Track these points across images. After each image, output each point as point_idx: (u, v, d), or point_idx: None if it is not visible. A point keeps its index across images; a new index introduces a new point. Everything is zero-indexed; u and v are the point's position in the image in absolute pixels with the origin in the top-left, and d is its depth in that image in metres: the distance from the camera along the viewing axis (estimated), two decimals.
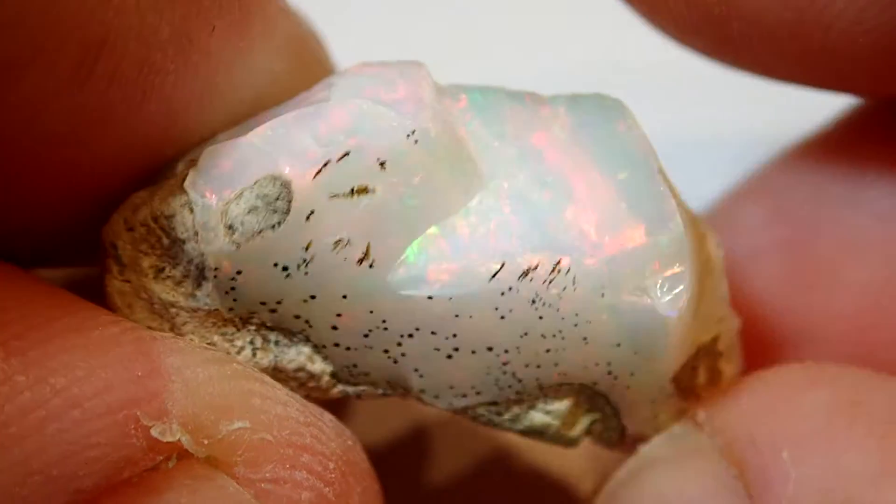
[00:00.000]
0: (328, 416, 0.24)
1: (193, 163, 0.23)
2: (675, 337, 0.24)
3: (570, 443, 0.26)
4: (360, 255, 0.23)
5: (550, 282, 0.23)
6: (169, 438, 0.21)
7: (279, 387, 0.23)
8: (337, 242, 0.22)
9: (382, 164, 0.22)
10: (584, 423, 0.25)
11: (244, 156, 0.22)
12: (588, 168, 0.24)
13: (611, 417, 0.26)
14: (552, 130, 0.24)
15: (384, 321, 0.23)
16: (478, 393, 0.25)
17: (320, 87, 0.24)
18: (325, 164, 0.22)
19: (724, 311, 0.26)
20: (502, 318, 0.23)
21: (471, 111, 0.24)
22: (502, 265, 0.23)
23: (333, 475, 0.23)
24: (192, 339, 0.23)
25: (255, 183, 0.22)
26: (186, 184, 0.23)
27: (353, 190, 0.22)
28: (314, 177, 0.22)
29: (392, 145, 0.22)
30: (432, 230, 0.23)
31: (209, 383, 0.22)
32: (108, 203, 0.24)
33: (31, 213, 0.23)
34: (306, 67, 0.26)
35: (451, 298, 0.23)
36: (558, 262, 0.23)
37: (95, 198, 0.24)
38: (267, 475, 0.22)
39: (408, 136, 0.22)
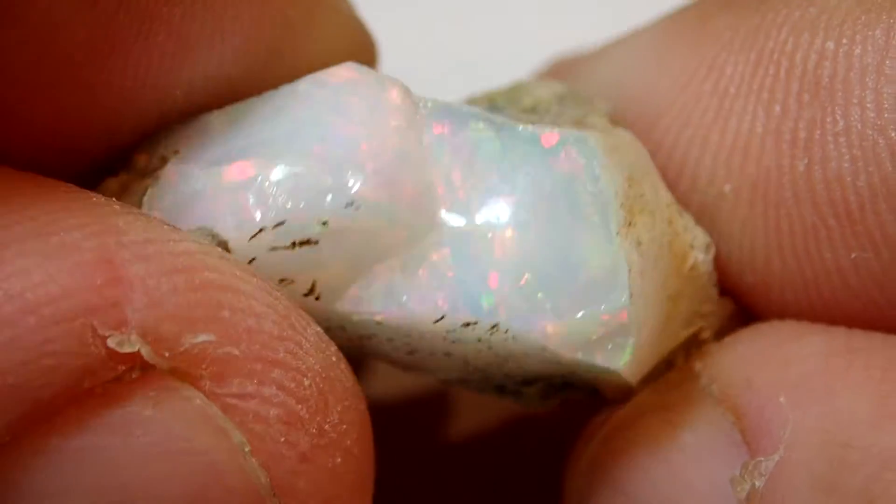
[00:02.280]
0: (312, 330, 0.23)
1: (163, 160, 0.24)
2: (629, 373, 0.24)
3: (547, 407, 0.26)
4: (305, 290, 0.23)
5: (492, 334, 0.23)
6: (127, 349, 0.20)
7: (257, 297, 0.22)
8: (282, 280, 0.23)
9: (325, 223, 0.22)
10: (559, 396, 0.26)
11: (185, 199, 0.23)
12: (542, 235, 0.23)
13: (587, 389, 0.26)
14: (517, 193, 0.23)
15: (342, 327, 0.24)
16: (449, 373, 0.25)
17: (286, 99, 0.24)
18: (260, 230, 0.22)
19: (709, 307, 0.26)
20: (452, 342, 0.23)
21: (450, 153, 0.23)
22: (443, 316, 0.23)
23: (308, 392, 0.22)
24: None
25: (196, 228, 0.23)
26: (144, 200, 0.23)
27: (293, 243, 0.23)
28: (249, 240, 0.23)
29: (332, 211, 0.22)
30: (380, 267, 0.23)
31: (174, 294, 0.21)
32: (116, 143, 0.24)
33: (38, 146, 0.23)
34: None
35: (399, 325, 0.23)
36: (496, 325, 0.23)
37: (104, 135, 0.23)
38: (233, 390, 0.21)
39: (346, 205, 0.22)
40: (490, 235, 0.23)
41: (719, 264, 0.26)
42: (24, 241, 0.20)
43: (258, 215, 0.22)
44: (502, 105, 0.25)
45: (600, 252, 0.22)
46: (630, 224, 0.23)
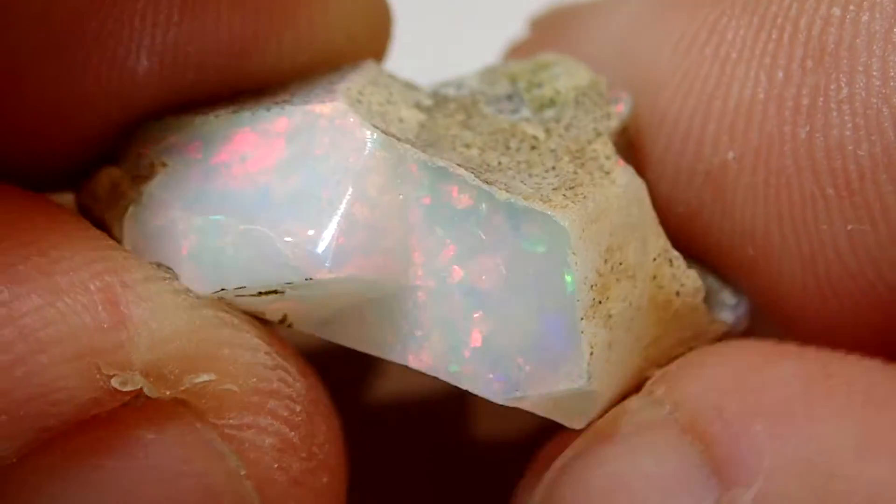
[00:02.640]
0: (295, 353, 0.24)
1: (151, 168, 0.24)
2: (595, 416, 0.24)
3: None
4: (278, 319, 0.24)
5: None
6: (129, 388, 0.22)
7: (248, 330, 0.24)
8: (253, 312, 0.24)
9: (289, 283, 0.23)
10: None
11: (157, 231, 0.24)
12: (509, 312, 0.23)
13: None
14: (491, 269, 0.24)
15: None
16: None
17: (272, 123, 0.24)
18: (221, 289, 0.24)
19: (700, 328, 0.26)
20: None
21: (428, 222, 0.24)
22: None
23: (300, 418, 0.24)
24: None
25: (158, 264, 0.24)
26: (125, 222, 0.25)
27: (259, 293, 0.24)
28: (210, 294, 0.24)
29: (295, 282, 0.23)
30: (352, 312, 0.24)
31: (175, 336, 0.23)
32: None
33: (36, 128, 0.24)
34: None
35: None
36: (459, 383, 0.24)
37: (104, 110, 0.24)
38: (231, 422, 0.23)
39: (306, 279, 0.23)
40: (461, 305, 0.23)
41: (724, 237, 0.26)
42: (36, 279, 0.22)
43: (220, 278, 0.23)
44: (522, 88, 0.25)
45: (563, 338, 0.23)
46: (600, 302, 0.23)
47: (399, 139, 0.23)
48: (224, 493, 0.23)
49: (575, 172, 0.24)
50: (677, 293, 0.25)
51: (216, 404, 0.23)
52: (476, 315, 0.23)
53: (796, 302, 0.26)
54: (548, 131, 0.24)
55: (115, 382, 0.22)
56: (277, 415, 0.23)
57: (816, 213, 0.24)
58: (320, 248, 0.23)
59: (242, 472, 0.23)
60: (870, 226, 0.24)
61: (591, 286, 0.23)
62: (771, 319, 0.27)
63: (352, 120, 0.23)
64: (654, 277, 0.25)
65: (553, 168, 0.24)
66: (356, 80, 0.24)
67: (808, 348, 0.24)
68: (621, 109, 0.26)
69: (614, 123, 0.26)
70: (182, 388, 0.22)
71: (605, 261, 0.23)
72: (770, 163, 0.25)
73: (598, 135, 0.25)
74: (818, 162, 0.24)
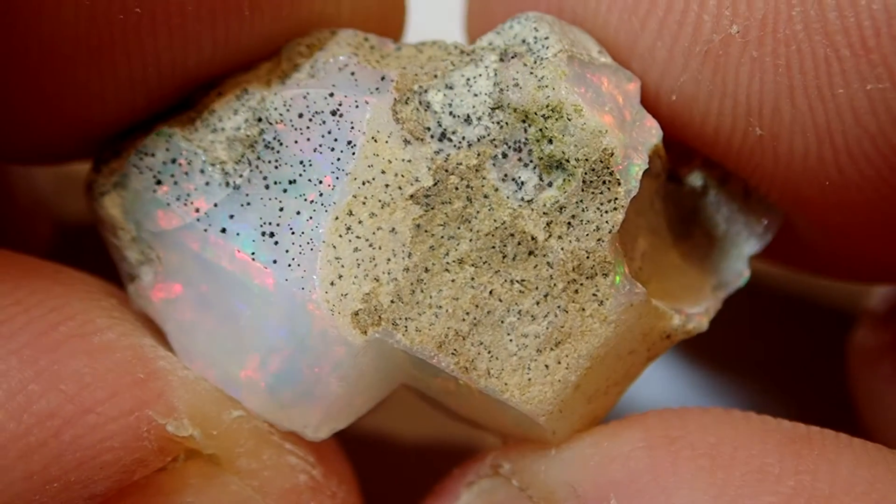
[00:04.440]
0: None
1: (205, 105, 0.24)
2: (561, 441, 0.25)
3: None
4: None
5: None
6: (183, 433, 0.21)
7: None
8: None
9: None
10: None
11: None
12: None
13: None
14: None
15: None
16: None
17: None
18: None
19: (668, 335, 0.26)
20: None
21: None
22: None
23: (314, 458, 0.24)
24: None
25: None
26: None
27: None
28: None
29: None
30: None
31: (200, 380, 0.23)
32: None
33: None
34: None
35: None
36: None
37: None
38: (265, 461, 0.23)
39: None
40: None
41: (725, 121, 0.24)
42: (70, 343, 0.21)
43: None
44: (532, 138, 0.24)
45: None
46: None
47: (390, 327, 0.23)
48: None
49: (566, 310, 0.23)
50: (668, 336, 0.25)
51: (252, 445, 0.23)
52: None
53: (811, 181, 0.24)
54: (549, 228, 0.23)
55: (169, 428, 0.21)
56: (298, 454, 0.23)
57: (831, 78, 0.23)
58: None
59: None
60: (890, 83, 0.22)
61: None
62: (782, 208, 0.26)
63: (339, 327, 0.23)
64: (632, 352, 0.25)
65: (545, 298, 0.23)
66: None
67: (649, 414, 0.24)
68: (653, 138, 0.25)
69: (619, 217, 0.24)
70: (224, 427, 0.22)
71: (588, 401, 0.24)
72: (778, 31, 0.23)
73: (599, 242, 0.24)
74: (830, 23, 0.22)
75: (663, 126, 0.24)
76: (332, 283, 0.23)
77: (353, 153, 0.23)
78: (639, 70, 0.25)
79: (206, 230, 0.23)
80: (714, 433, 0.22)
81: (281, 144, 0.23)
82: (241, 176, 0.23)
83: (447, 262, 0.23)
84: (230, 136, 0.23)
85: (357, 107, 0.23)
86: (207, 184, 0.23)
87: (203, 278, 0.23)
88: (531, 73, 0.23)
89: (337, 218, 0.23)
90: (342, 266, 0.23)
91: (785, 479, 0.21)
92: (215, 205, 0.23)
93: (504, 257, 0.23)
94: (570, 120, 0.23)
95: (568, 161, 0.23)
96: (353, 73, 0.23)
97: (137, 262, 0.24)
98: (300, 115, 0.23)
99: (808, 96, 0.23)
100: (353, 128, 0.23)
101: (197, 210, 0.23)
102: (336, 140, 0.23)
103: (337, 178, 0.23)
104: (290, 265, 0.23)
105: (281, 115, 0.23)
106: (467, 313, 0.23)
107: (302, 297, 0.23)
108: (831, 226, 0.25)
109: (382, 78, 0.23)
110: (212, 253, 0.23)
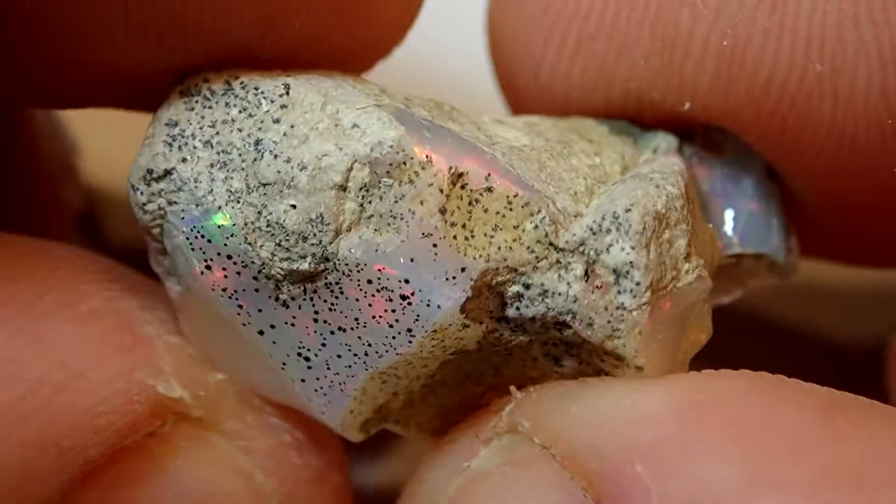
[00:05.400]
0: None
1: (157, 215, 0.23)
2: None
3: None
4: None
5: None
6: (172, 394, 0.22)
7: None
8: None
9: None
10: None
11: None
12: None
13: None
14: None
15: None
16: None
17: None
18: None
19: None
20: None
21: None
22: None
23: (294, 422, 0.24)
24: None
25: None
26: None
27: None
28: None
29: None
30: None
31: (183, 346, 0.23)
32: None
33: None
34: None
35: None
36: None
37: None
38: (249, 421, 0.23)
39: None
40: None
41: (781, 58, 0.23)
42: (57, 311, 0.22)
43: None
44: (585, 354, 0.23)
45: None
46: None
47: None
48: None
49: None
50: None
51: (235, 405, 0.23)
52: None
53: (870, 123, 0.23)
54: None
55: (161, 389, 0.22)
56: (278, 415, 0.24)
57: None
58: None
59: (269, 489, 0.23)
60: None
61: None
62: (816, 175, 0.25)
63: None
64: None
65: None
66: None
67: (674, 375, 0.23)
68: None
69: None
70: (211, 387, 0.23)
71: None
72: None
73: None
74: None
75: (708, 87, 0.24)
76: (350, 412, 0.23)
77: (411, 341, 0.22)
78: (689, 15, 0.24)
79: (245, 324, 0.23)
80: (743, 399, 0.21)
81: (342, 294, 0.22)
82: (292, 298, 0.22)
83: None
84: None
85: (428, 305, 0.22)
86: (257, 290, 0.22)
87: (218, 320, 0.23)
88: (609, 319, 0.22)
89: (374, 374, 0.23)
90: (365, 397, 0.23)
91: (817, 450, 0.21)
92: (259, 310, 0.23)
93: None
94: (627, 368, 0.23)
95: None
96: (435, 248, 0.22)
97: (164, 272, 0.24)
98: (369, 282, 0.22)
99: (874, 23, 0.22)
100: (417, 320, 0.22)
101: (240, 307, 0.23)
102: (397, 321, 0.22)
103: (387, 350, 0.22)
104: (316, 391, 0.23)
105: (349, 270, 0.22)
106: None
107: (317, 414, 0.23)
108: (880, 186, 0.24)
109: (463, 269, 0.22)
110: (243, 329, 0.23)
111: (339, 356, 0.23)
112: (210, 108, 0.23)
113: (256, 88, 0.22)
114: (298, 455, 0.24)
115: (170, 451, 0.23)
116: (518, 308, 0.23)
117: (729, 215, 0.26)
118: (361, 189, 0.22)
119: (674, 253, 0.23)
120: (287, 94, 0.22)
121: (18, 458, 0.20)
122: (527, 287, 0.22)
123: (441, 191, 0.22)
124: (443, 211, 0.22)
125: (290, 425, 0.24)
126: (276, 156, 0.22)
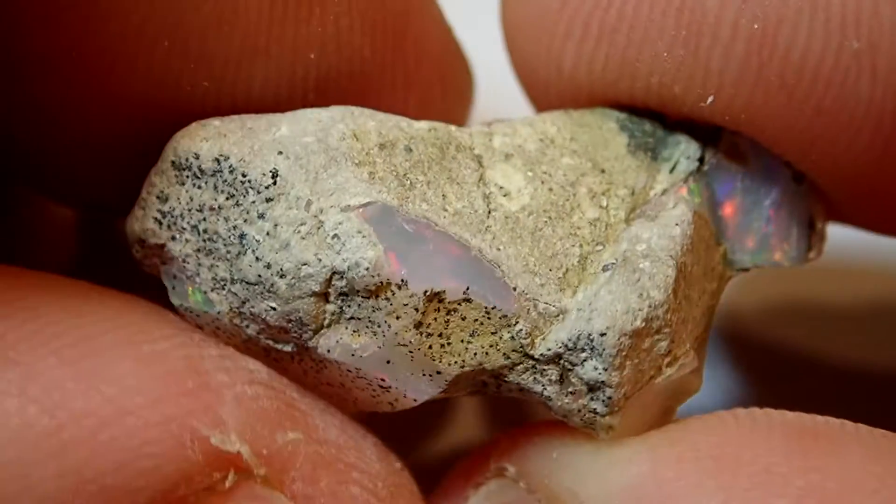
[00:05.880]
0: (371, 439, 0.23)
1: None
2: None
3: None
4: None
5: None
6: (229, 448, 0.20)
7: (325, 407, 0.23)
8: None
9: None
10: None
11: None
12: None
13: None
14: None
15: None
16: None
17: None
18: None
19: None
20: None
21: None
22: None
23: (384, 493, 0.22)
24: None
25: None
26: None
27: None
28: None
29: None
30: None
31: (258, 398, 0.22)
32: None
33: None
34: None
35: None
36: None
37: None
38: (323, 488, 0.21)
39: None
40: None
41: (816, 44, 0.22)
42: (117, 349, 0.21)
43: None
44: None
45: None
46: None
47: None
48: None
49: None
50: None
51: (308, 469, 0.21)
52: None
53: None
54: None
55: (214, 440, 0.20)
56: (364, 485, 0.22)
57: None
58: None
59: None
60: None
61: None
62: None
63: None
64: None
65: None
66: None
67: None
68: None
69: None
70: (276, 448, 0.21)
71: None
72: None
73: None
74: None
75: (737, 75, 0.22)
76: None
77: (393, 406, 0.23)
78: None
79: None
80: (717, 433, 0.22)
81: (325, 369, 0.23)
82: (282, 359, 0.23)
83: None
84: None
85: (405, 396, 0.23)
86: (248, 348, 0.23)
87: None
88: (582, 418, 0.23)
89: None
90: None
91: (793, 479, 0.21)
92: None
93: None
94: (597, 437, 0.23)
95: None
96: (411, 354, 0.22)
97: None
98: (349, 371, 0.23)
99: None
100: (396, 400, 0.23)
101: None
102: (378, 397, 0.23)
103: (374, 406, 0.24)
104: None
105: (329, 362, 0.23)
106: None
107: None
108: None
109: (439, 373, 0.23)
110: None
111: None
112: (199, 188, 0.23)
113: (244, 175, 0.23)
114: None
115: None
116: (496, 390, 0.24)
117: (746, 231, 0.25)
118: (340, 295, 0.22)
119: (654, 355, 0.23)
120: (274, 183, 0.22)
121: (56, 489, 0.19)
122: (504, 381, 0.23)
123: (416, 309, 0.22)
124: (418, 325, 0.22)
125: (375, 496, 0.22)
126: (258, 258, 0.22)
